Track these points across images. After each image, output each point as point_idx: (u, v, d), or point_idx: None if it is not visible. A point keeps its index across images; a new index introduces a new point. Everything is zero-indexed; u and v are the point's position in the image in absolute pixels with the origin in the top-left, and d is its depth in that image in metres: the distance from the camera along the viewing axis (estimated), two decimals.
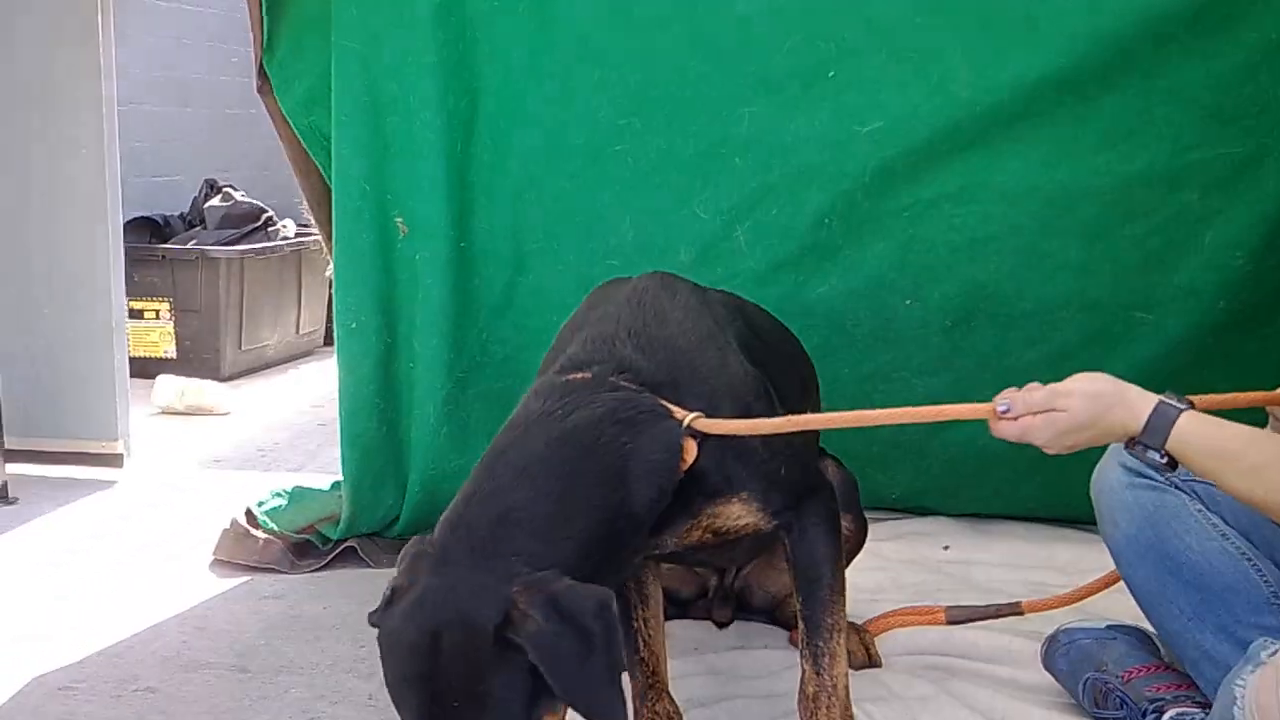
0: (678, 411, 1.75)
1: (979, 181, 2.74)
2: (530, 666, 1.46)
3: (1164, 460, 1.65)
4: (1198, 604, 1.89)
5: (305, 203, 3.45)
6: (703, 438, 1.74)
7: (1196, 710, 1.88)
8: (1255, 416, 1.86)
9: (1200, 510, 1.92)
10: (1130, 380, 1.71)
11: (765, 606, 2.51)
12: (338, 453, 3.15)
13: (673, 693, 2.03)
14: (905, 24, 2.70)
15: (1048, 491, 2.89)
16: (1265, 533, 1.90)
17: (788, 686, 2.20)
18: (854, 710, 1.90)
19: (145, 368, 5.11)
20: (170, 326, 5.38)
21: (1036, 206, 2.73)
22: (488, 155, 3.00)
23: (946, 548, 2.95)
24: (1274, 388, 1.92)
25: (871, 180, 2.78)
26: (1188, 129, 2.63)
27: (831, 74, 2.76)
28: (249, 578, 2.98)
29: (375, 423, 3.09)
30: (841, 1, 2.73)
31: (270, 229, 5.71)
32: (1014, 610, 2.43)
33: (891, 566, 2.83)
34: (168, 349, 5.36)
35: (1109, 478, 2.02)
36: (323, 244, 3.37)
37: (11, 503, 3.56)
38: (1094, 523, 2.07)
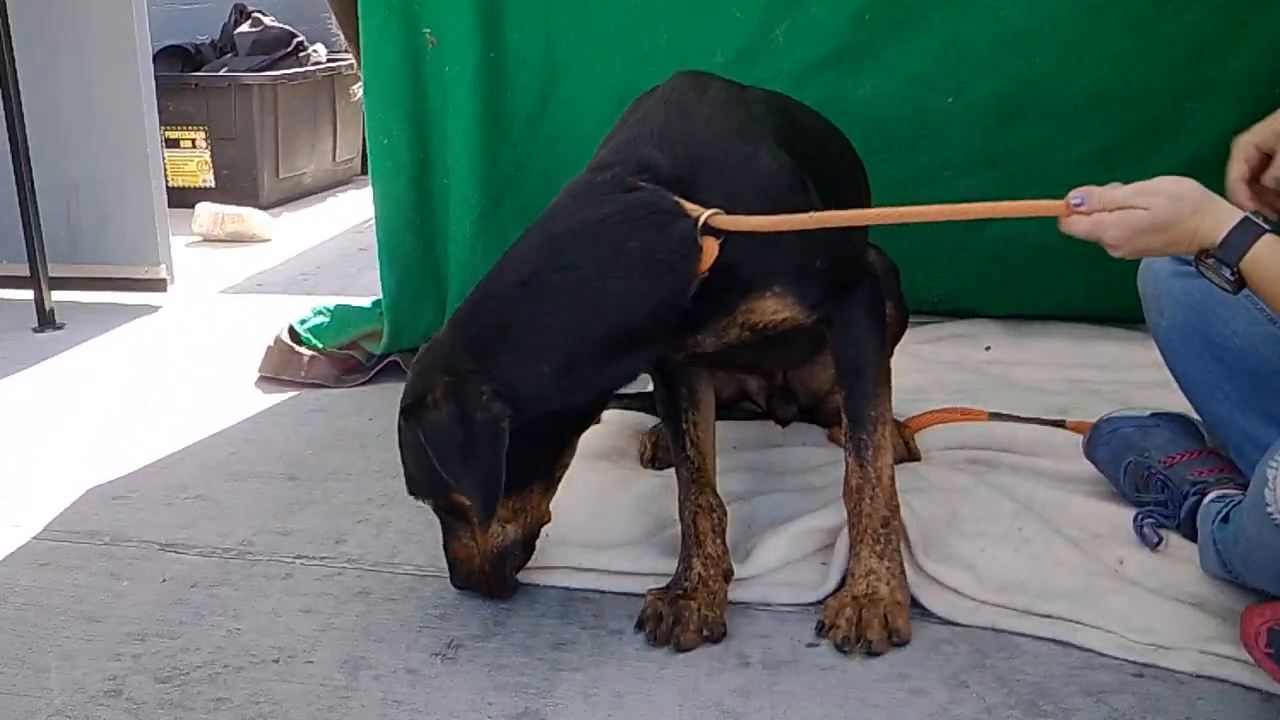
0: (694, 209, 1.74)
1: None
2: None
3: (1233, 278, 1.59)
4: (1243, 389, 1.88)
5: (334, 19, 3.39)
6: (725, 234, 1.72)
7: (1239, 492, 1.87)
8: None
9: (1248, 295, 1.87)
10: (1179, 175, 1.65)
11: (809, 404, 2.51)
12: (378, 275, 3.15)
13: None
14: None
15: (1091, 289, 2.85)
16: None
17: (825, 480, 2.23)
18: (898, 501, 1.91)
19: (184, 197, 5.11)
20: (207, 155, 5.36)
21: None
22: None
23: (988, 348, 2.93)
24: None
25: None
26: None
27: None
28: (295, 393, 3.01)
29: (412, 240, 3.09)
30: None
31: (302, 54, 5.62)
32: (1057, 425, 2.41)
33: (933, 368, 2.82)
34: (205, 178, 5.35)
35: (1156, 266, 2.00)
36: (355, 65, 3.32)
37: (59, 328, 3.60)
38: (1137, 320, 2.05)
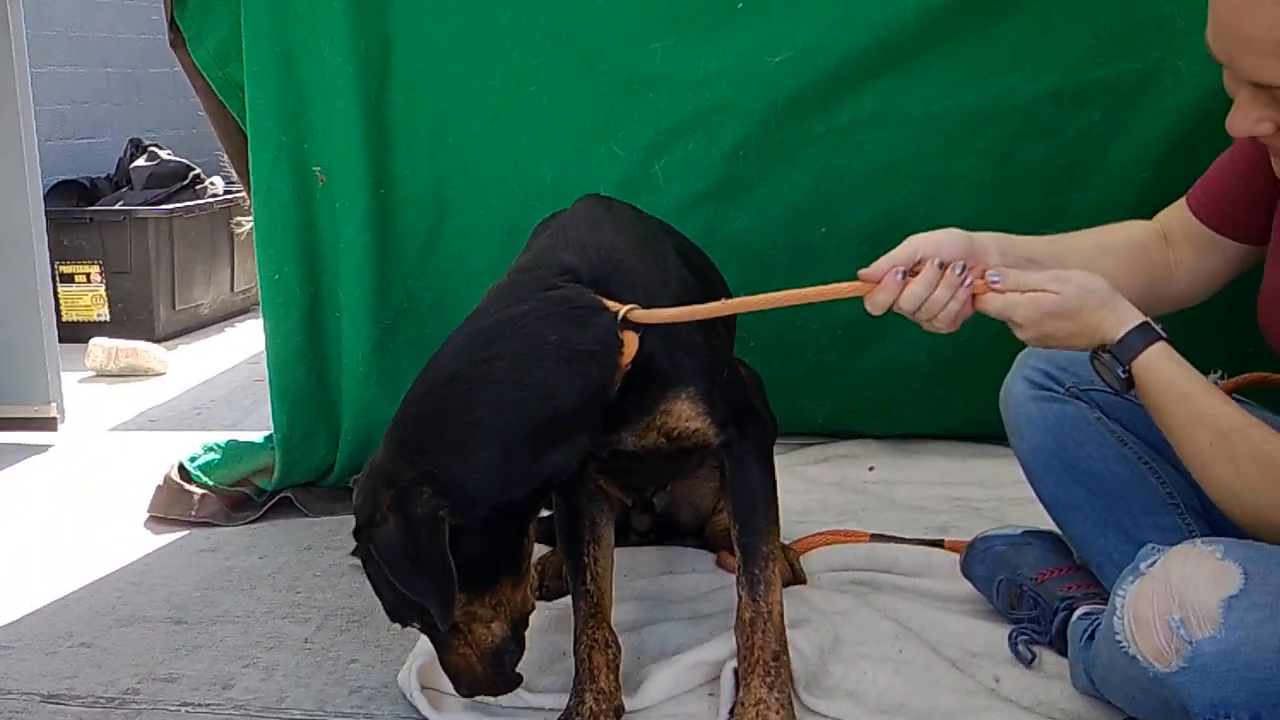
0: (613, 305, 1.82)
1: (889, 107, 2.77)
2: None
3: (1124, 376, 1.66)
4: (1099, 509, 1.95)
5: (226, 156, 3.43)
6: (643, 330, 1.81)
7: (1104, 608, 1.94)
8: None
9: (1099, 418, 1.98)
10: None
11: (693, 524, 2.56)
12: None
13: None
14: None
15: (969, 409, 2.94)
16: (1162, 436, 1.95)
17: (714, 608, 2.27)
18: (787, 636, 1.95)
19: (79, 332, 5.08)
20: (102, 289, 5.33)
21: (947, 130, 2.76)
22: (403, 100, 3.00)
23: (871, 468, 3.01)
24: None
25: (784, 111, 2.81)
26: (1090, 47, 2.66)
27: (740, 5, 2.78)
28: (185, 533, 2.98)
29: (304, 373, 3.10)
30: None
31: (198, 187, 5.64)
32: (935, 544, 2.48)
33: (819, 489, 2.88)
34: (100, 312, 5.32)
35: (1014, 391, 2.07)
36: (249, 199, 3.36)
37: None
38: None
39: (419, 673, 2.06)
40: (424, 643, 2.13)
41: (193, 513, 3.03)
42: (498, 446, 1.74)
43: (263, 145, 3.03)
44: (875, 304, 1.72)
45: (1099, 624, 1.78)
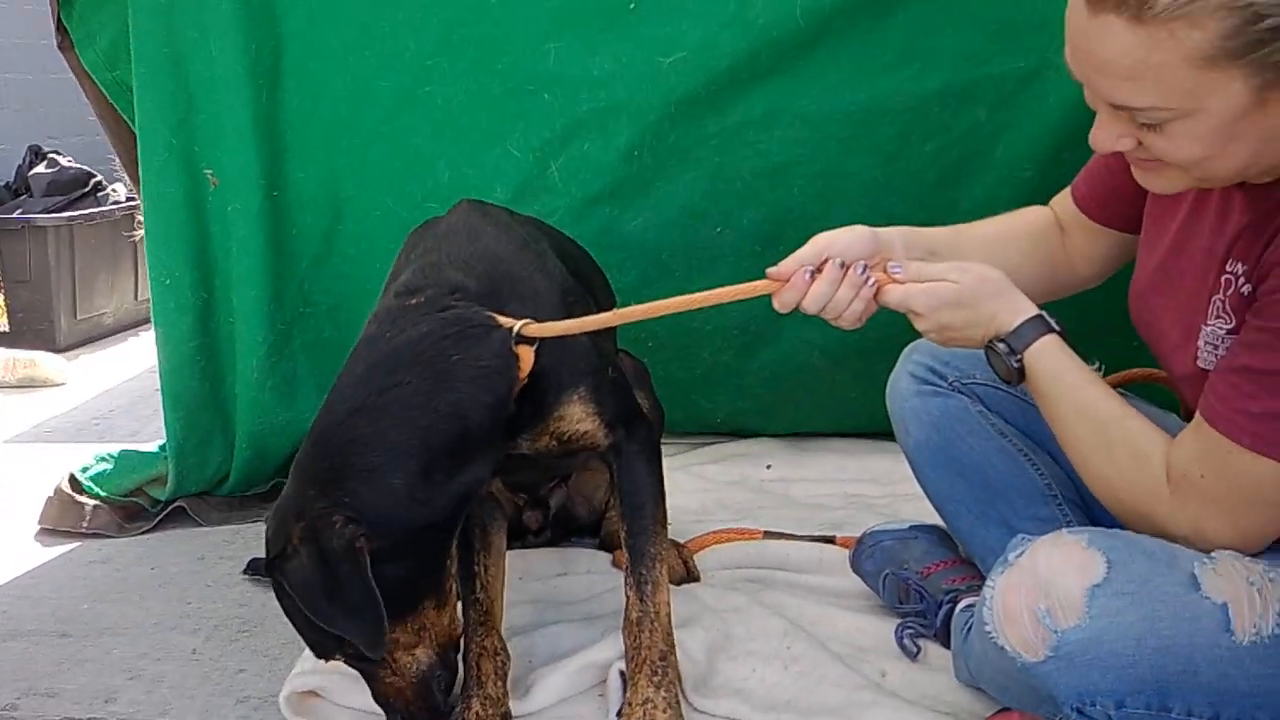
0: (506, 321, 1.82)
1: (781, 107, 2.78)
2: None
3: (1017, 366, 1.68)
4: (981, 501, 1.97)
5: (119, 160, 3.37)
6: (538, 343, 1.82)
7: None
8: None
9: (981, 411, 2.00)
10: None
11: (589, 519, 2.56)
12: None
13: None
14: None
15: (864, 407, 2.95)
16: (1041, 427, 1.95)
17: (606, 609, 2.26)
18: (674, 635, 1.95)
19: None
20: (0, 299, 5.21)
21: (837, 129, 2.78)
22: (295, 101, 2.96)
23: (769, 467, 3.02)
24: None
25: (677, 111, 2.80)
26: (977, 45, 2.68)
27: (632, 6, 2.77)
28: (76, 544, 2.92)
29: (197, 380, 3.04)
30: None
31: (100, 194, 5.52)
32: (828, 541, 2.49)
33: (716, 488, 2.89)
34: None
35: (900, 386, 2.10)
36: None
37: None
38: None
39: (290, 702, 2.02)
40: (305, 658, 2.12)
41: (84, 524, 2.96)
42: (413, 469, 1.72)
43: (152, 148, 2.97)
44: (782, 303, 1.73)
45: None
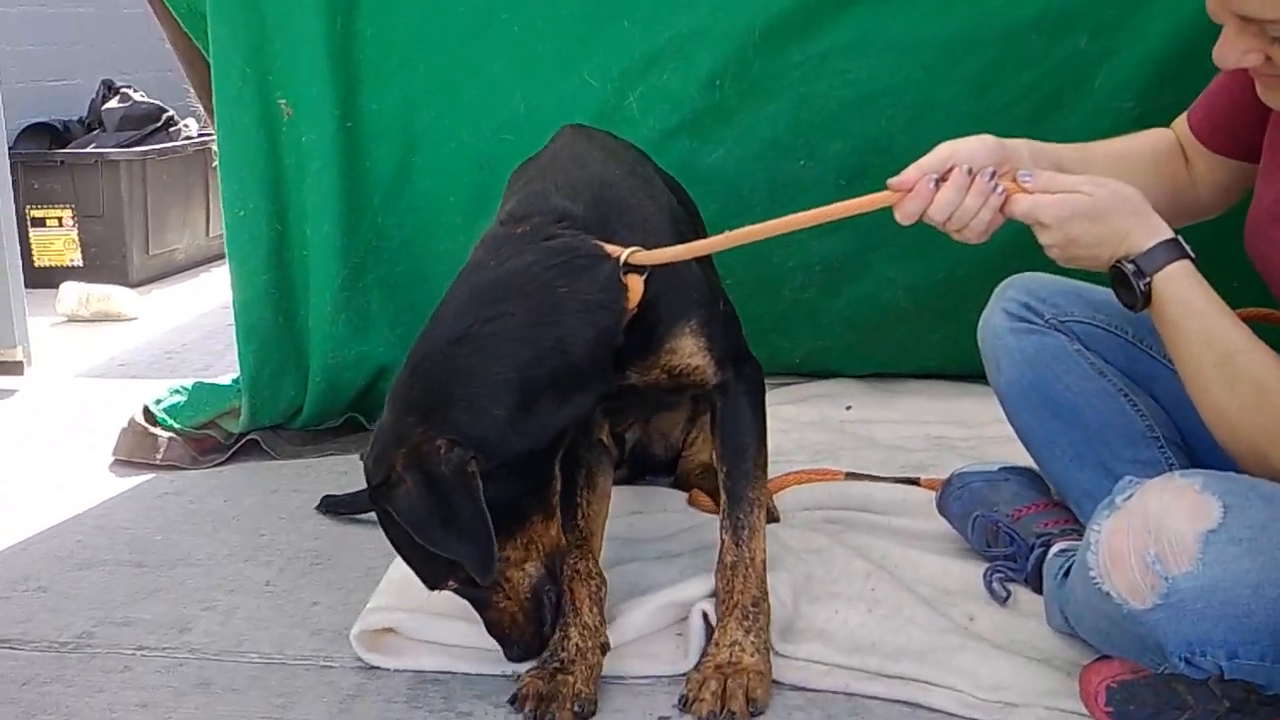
0: (614, 249, 1.78)
1: (869, 34, 2.69)
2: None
3: (1144, 288, 1.60)
4: (1078, 442, 1.90)
5: (193, 91, 3.34)
6: (647, 272, 1.77)
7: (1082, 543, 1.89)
8: None
9: (1079, 350, 1.92)
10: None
11: (665, 458, 2.52)
12: None
13: None
14: None
15: (949, 348, 2.89)
16: (1143, 367, 1.90)
17: (683, 547, 2.22)
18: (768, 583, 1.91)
19: (52, 277, 5.00)
20: (74, 233, 5.24)
21: (927, 58, 2.69)
22: (370, 31, 2.91)
23: (849, 408, 2.96)
24: None
25: (761, 39, 2.72)
26: None
27: None
28: (151, 476, 2.92)
29: (271, 313, 3.02)
30: None
31: (172, 129, 5.54)
32: (912, 483, 2.43)
33: (795, 429, 2.83)
34: (73, 257, 5.23)
35: (993, 324, 2.02)
36: None
37: None
38: None
39: (362, 639, 1.99)
40: (379, 593, 2.10)
41: (158, 456, 2.97)
42: (514, 402, 1.69)
43: (226, 78, 2.94)
44: (905, 213, 1.68)
45: (1075, 560, 1.72)
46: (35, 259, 5.17)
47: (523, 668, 1.86)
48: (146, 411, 3.05)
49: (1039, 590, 1.95)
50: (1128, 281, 1.62)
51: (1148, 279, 1.60)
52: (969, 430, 2.76)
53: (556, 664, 1.82)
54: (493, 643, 1.94)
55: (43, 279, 4.94)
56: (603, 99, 2.84)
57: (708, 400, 1.97)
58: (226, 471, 2.93)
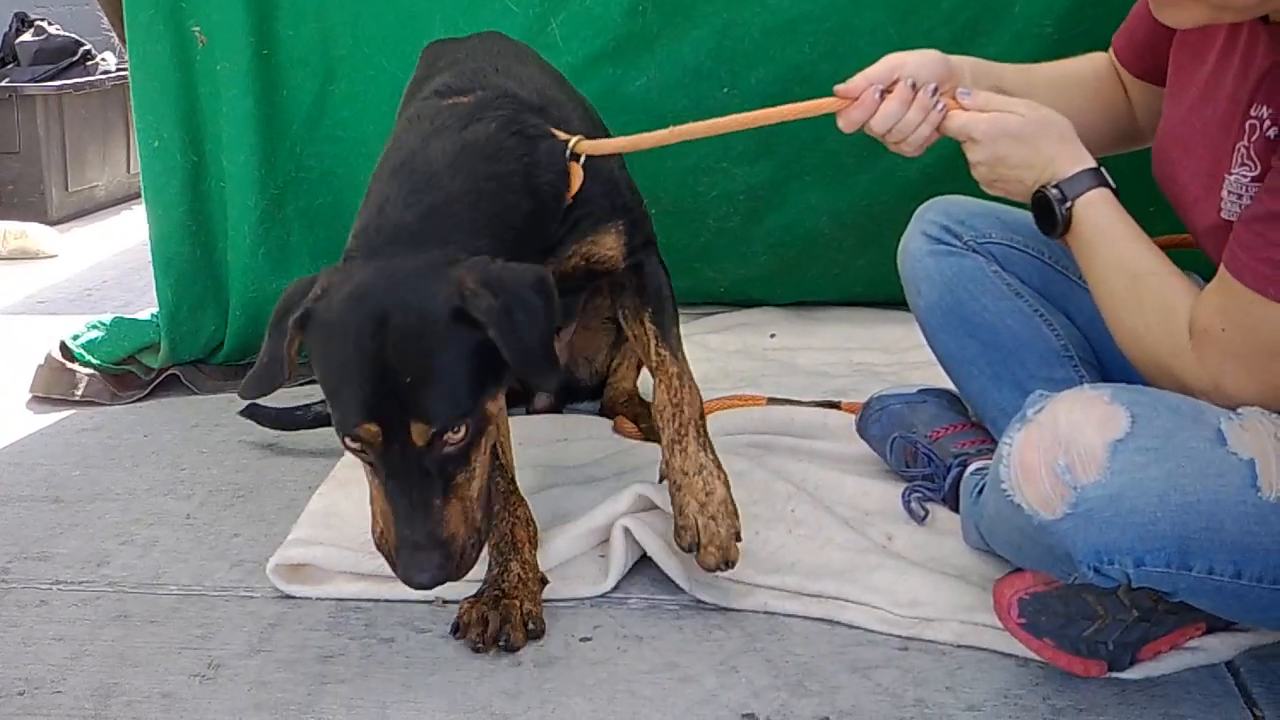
0: (560, 134, 1.81)
1: None
2: (477, 344, 1.56)
3: (1065, 213, 1.63)
4: (994, 362, 1.92)
5: (107, 20, 3.26)
6: (584, 160, 1.80)
7: None
8: None
9: (996, 271, 1.93)
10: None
11: (590, 384, 2.52)
12: None
13: None
14: None
15: (872, 274, 2.90)
16: (1058, 287, 1.92)
17: (607, 472, 2.23)
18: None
19: None
20: None
21: None
22: None
23: (773, 335, 2.97)
24: None
25: None
26: None
27: None
28: (69, 412, 2.87)
29: (188, 246, 2.97)
30: None
31: (89, 63, 5.40)
32: (833, 406, 2.44)
33: (719, 357, 2.83)
34: None
35: (912, 247, 2.03)
36: None
37: None
38: None
39: (279, 570, 1.98)
40: (299, 525, 2.08)
41: (76, 392, 2.91)
42: (497, 251, 1.66)
43: (138, 5, 2.86)
44: (848, 120, 1.71)
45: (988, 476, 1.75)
46: None
47: (447, 595, 1.86)
48: (64, 347, 2.99)
49: (956, 509, 1.97)
50: (1049, 207, 1.65)
51: (1069, 203, 1.63)
52: (891, 356, 2.78)
53: (498, 592, 1.81)
54: None
55: None
56: (525, 24, 2.80)
57: (619, 282, 1.97)
58: (146, 407, 2.89)
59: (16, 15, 5.62)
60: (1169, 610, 1.60)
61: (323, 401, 2.52)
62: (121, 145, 5.52)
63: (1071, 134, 1.66)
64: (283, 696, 1.70)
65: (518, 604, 1.79)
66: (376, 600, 1.93)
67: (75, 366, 2.95)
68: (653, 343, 1.92)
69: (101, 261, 4.51)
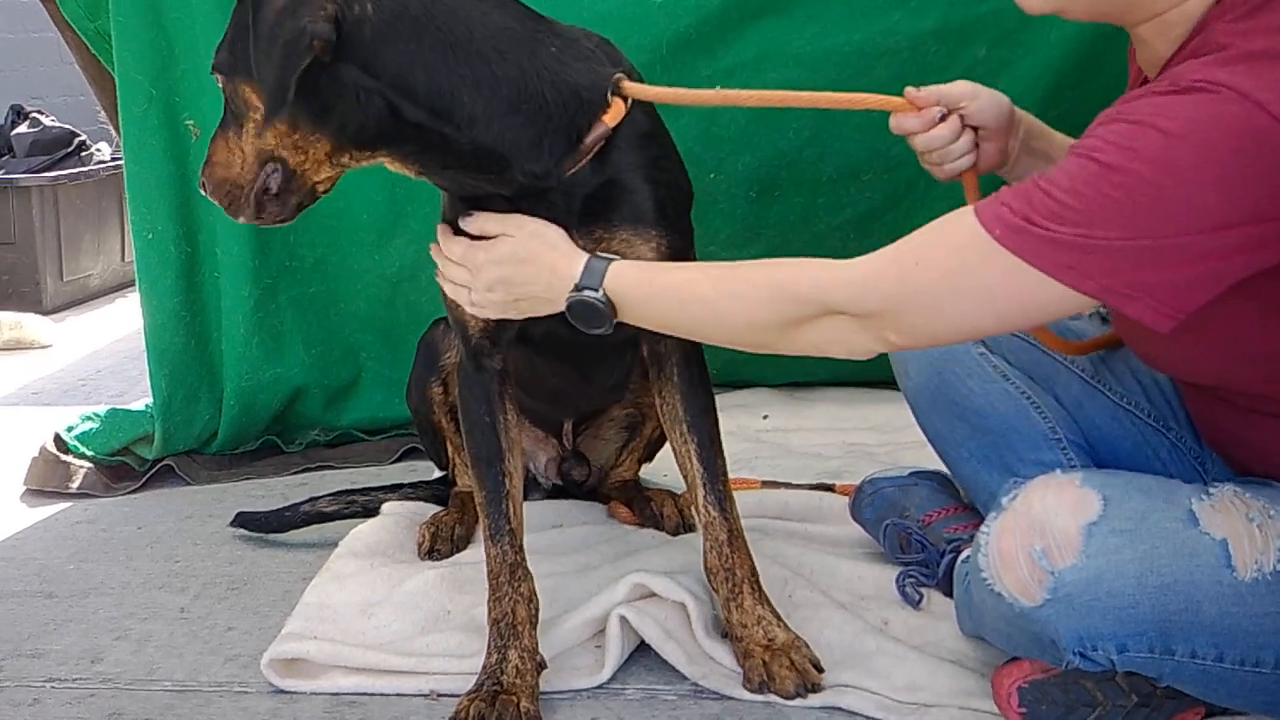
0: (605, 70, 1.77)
1: (775, 48, 2.73)
2: None
3: (604, 299, 1.63)
4: (983, 445, 1.93)
5: (104, 114, 3.30)
6: (638, 131, 1.76)
7: None
8: None
9: (982, 353, 1.95)
10: None
11: (591, 483, 2.50)
12: None
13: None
14: None
15: None
16: (1045, 369, 1.93)
17: (601, 560, 2.22)
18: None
19: None
20: None
21: (833, 70, 2.72)
22: None
23: (766, 417, 2.98)
24: None
25: (669, 53, 2.75)
26: None
27: None
28: (63, 505, 2.87)
29: (182, 336, 2.99)
30: None
31: (84, 154, 5.45)
32: (827, 489, 2.45)
33: None
34: None
35: None
36: None
37: None
38: None
39: (274, 665, 1.97)
40: (294, 618, 2.07)
41: (71, 484, 2.92)
42: (444, 78, 1.64)
43: (132, 98, 2.91)
44: (901, 127, 1.77)
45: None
46: None
47: (442, 689, 1.86)
48: (58, 439, 3.00)
49: (950, 594, 1.96)
50: (587, 305, 1.64)
51: (599, 291, 1.63)
52: (884, 436, 2.79)
53: (496, 686, 1.79)
54: (411, 663, 1.93)
55: None
56: None
57: (658, 352, 1.92)
58: (140, 498, 2.89)
59: (12, 107, 5.69)
60: (1168, 695, 1.60)
61: (311, 500, 2.54)
62: (116, 234, 5.56)
63: (563, 239, 1.69)
64: None
65: (514, 700, 1.77)
66: (372, 694, 1.92)
67: (70, 459, 2.96)
68: (700, 491, 1.91)
69: (96, 350, 4.53)
